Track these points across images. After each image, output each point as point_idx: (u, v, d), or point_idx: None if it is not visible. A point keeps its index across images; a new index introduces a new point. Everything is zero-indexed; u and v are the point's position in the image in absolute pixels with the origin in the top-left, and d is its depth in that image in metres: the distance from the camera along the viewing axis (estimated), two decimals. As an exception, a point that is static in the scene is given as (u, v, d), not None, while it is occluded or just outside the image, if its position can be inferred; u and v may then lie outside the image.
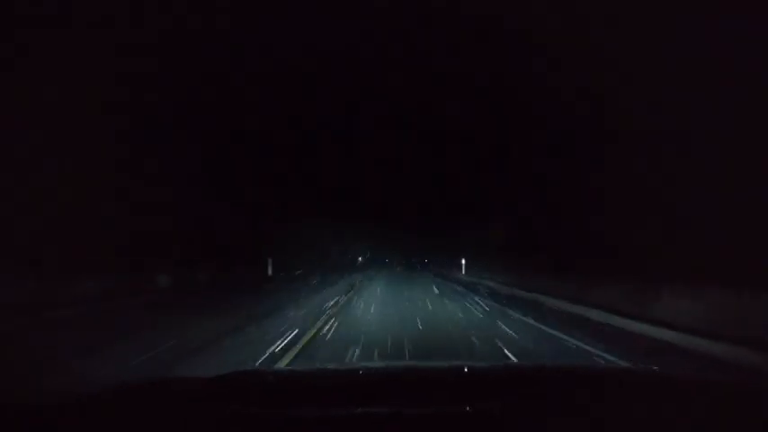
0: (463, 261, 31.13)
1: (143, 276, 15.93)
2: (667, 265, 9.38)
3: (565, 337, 8.53)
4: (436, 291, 20.43)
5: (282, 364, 6.00)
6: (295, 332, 8.32)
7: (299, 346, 7.16)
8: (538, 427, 1.29)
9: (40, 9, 11.59)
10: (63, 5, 12.03)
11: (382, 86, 27.20)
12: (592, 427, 1.28)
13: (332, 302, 14.10)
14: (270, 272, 27.72)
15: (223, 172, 22.69)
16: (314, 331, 8.59)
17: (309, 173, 37.33)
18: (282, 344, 7.32)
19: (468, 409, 1.39)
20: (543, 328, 9.67)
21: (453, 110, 26.31)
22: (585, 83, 13.33)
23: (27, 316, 9.57)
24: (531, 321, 10.58)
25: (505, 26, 15.70)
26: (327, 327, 9.24)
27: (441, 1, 17.50)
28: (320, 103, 28.25)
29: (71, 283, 12.76)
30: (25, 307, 9.84)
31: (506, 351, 7.06)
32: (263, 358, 6.29)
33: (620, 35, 11.42)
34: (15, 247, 11.18)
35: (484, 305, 14.27)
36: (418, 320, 10.46)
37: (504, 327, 9.61)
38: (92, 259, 13.39)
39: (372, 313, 11.99)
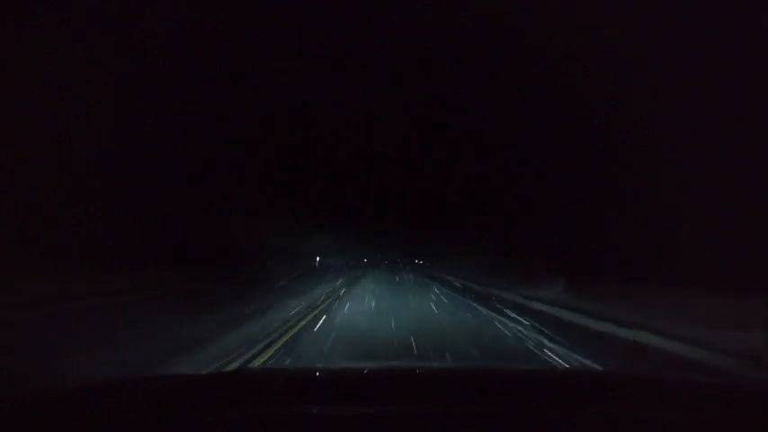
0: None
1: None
2: None
3: None
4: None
5: None
6: None
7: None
8: (536, 428, 1.29)
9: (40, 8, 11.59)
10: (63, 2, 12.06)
11: (374, 83, 27.28)
12: (591, 428, 1.29)
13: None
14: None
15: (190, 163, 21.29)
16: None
17: (293, 170, 36.73)
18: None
19: (462, 410, 1.38)
20: None
21: (449, 107, 26.36)
22: (586, 85, 13.33)
23: None
24: None
25: (505, 27, 15.70)
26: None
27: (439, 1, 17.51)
28: (309, 101, 28.31)
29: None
30: None
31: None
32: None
33: (621, 36, 11.42)
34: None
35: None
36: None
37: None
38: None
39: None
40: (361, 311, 11.13)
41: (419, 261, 68.92)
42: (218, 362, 5.29)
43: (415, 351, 6.44)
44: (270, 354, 6.05)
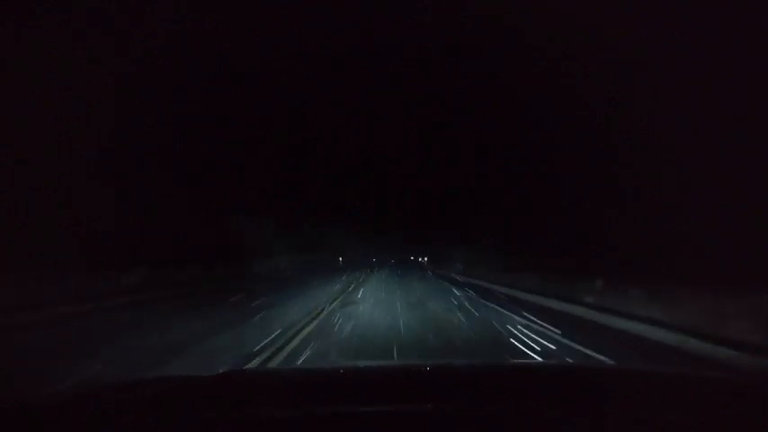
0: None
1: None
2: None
3: None
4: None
5: None
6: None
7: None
8: (535, 427, 1.29)
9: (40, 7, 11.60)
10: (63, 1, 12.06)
11: (374, 83, 27.32)
12: (591, 426, 1.28)
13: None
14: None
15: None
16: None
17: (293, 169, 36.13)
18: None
19: (464, 407, 1.38)
20: None
21: (449, 107, 26.40)
22: (588, 85, 13.32)
23: None
24: None
25: (505, 27, 15.70)
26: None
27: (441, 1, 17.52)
28: (309, 101, 28.30)
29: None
30: None
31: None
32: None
33: (621, 36, 11.41)
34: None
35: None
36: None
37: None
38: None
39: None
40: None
41: (421, 258, 66.76)
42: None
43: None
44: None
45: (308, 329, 8.25)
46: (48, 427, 1.27)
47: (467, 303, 12.92)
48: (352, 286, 19.48)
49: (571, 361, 5.79)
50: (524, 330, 8.29)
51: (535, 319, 9.60)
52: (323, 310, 11.06)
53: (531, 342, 7.23)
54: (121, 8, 13.80)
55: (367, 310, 11.17)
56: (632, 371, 2.30)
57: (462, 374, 2.06)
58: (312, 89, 27.02)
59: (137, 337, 7.71)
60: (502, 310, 11.55)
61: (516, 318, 9.95)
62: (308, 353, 6.31)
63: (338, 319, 9.60)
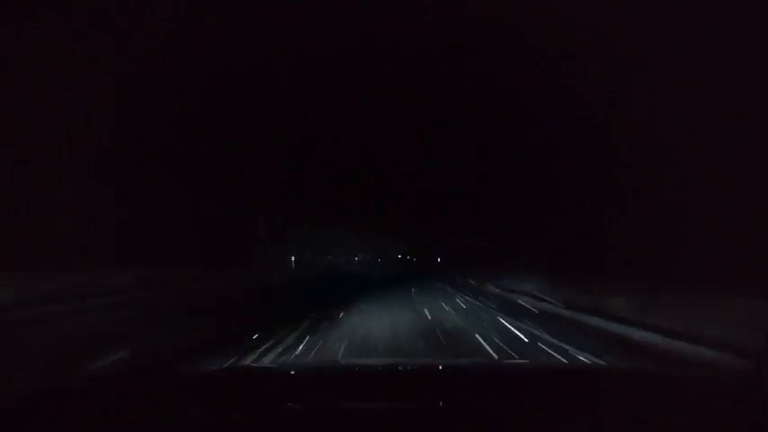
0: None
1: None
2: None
3: None
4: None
5: None
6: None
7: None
8: (532, 426, 1.29)
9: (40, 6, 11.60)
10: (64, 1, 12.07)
11: (374, 83, 27.29)
12: (591, 427, 1.28)
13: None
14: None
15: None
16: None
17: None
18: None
19: (462, 406, 1.38)
20: None
21: (449, 107, 26.38)
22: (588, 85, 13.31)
23: None
24: None
25: (505, 27, 15.67)
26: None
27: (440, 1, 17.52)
28: (309, 101, 28.26)
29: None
30: None
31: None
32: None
33: (621, 36, 11.41)
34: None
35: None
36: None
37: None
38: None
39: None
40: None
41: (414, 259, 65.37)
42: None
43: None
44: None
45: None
46: (48, 427, 1.27)
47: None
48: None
49: (568, 362, 5.79)
50: None
51: None
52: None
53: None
54: (121, 8, 13.79)
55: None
56: (631, 372, 2.29)
57: (461, 374, 2.06)
58: (312, 89, 26.94)
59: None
60: None
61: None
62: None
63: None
